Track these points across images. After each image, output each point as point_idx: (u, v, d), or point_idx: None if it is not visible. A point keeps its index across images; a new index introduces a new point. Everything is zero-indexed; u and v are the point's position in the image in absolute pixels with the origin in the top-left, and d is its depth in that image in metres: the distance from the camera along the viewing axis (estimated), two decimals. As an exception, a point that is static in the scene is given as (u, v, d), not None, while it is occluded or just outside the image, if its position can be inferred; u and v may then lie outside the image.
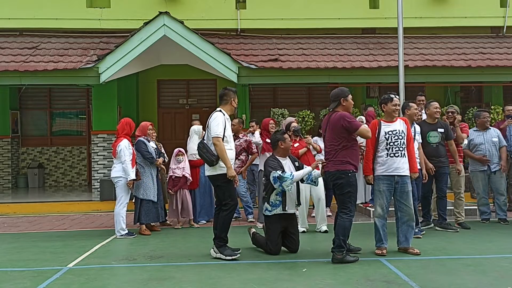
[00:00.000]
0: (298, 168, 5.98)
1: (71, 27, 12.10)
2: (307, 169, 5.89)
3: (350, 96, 5.54)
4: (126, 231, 7.05)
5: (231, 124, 8.45)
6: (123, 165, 7.01)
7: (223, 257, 5.49)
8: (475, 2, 12.34)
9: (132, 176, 7.04)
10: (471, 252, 5.75)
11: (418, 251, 5.64)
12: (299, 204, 6.05)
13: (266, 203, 5.90)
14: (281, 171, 5.71)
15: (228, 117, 5.77)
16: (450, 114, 7.56)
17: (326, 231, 6.95)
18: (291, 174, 5.70)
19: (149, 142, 7.53)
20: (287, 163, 6.00)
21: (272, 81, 11.17)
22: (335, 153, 5.38)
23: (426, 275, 4.79)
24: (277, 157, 6.00)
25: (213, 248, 5.63)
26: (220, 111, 5.72)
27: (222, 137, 5.51)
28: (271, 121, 8.31)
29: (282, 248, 5.93)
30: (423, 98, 8.49)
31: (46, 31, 12.19)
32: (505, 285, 4.43)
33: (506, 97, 13.01)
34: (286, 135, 6.16)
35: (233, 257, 5.49)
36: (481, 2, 12.35)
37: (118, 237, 6.98)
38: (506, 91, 13.03)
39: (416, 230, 6.62)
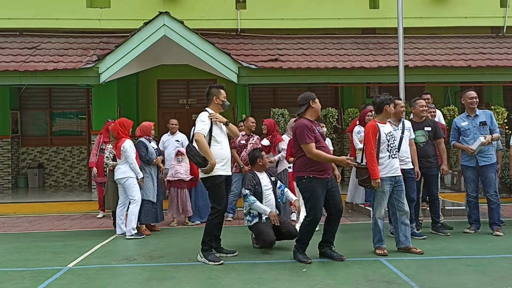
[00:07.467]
0: (273, 183, 6.31)
1: (71, 27, 12.09)
2: (264, 207, 5.96)
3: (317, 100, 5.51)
4: (136, 231, 7.02)
5: (243, 123, 8.50)
6: (130, 165, 6.97)
7: (207, 262, 5.36)
8: (475, 2, 12.34)
9: (141, 174, 7.07)
10: (471, 252, 5.75)
11: (421, 250, 5.65)
12: (279, 213, 6.26)
13: (247, 215, 6.10)
14: (250, 192, 5.99)
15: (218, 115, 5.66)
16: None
17: None
18: (254, 200, 5.95)
19: (150, 142, 7.52)
20: (263, 177, 6.26)
21: (272, 81, 11.16)
22: (297, 160, 5.47)
23: (426, 275, 4.79)
24: (256, 172, 6.28)
25: (199, 253, 5.54)
26: (207, 110, 5.64)
27: (204, 134, 5.40)
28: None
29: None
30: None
31: (46, 31, 12.18)
32: (505, 285, 4.43)
33: (506, 97, 13.00)
34: (264, 153, 6.45)
35: (216, 263, 5.32)
36: (481, 2, 12.34)
37: (127, 236, 6.94)
38: (506, 91, 13.02)
39: (417, 231, 6.61)
